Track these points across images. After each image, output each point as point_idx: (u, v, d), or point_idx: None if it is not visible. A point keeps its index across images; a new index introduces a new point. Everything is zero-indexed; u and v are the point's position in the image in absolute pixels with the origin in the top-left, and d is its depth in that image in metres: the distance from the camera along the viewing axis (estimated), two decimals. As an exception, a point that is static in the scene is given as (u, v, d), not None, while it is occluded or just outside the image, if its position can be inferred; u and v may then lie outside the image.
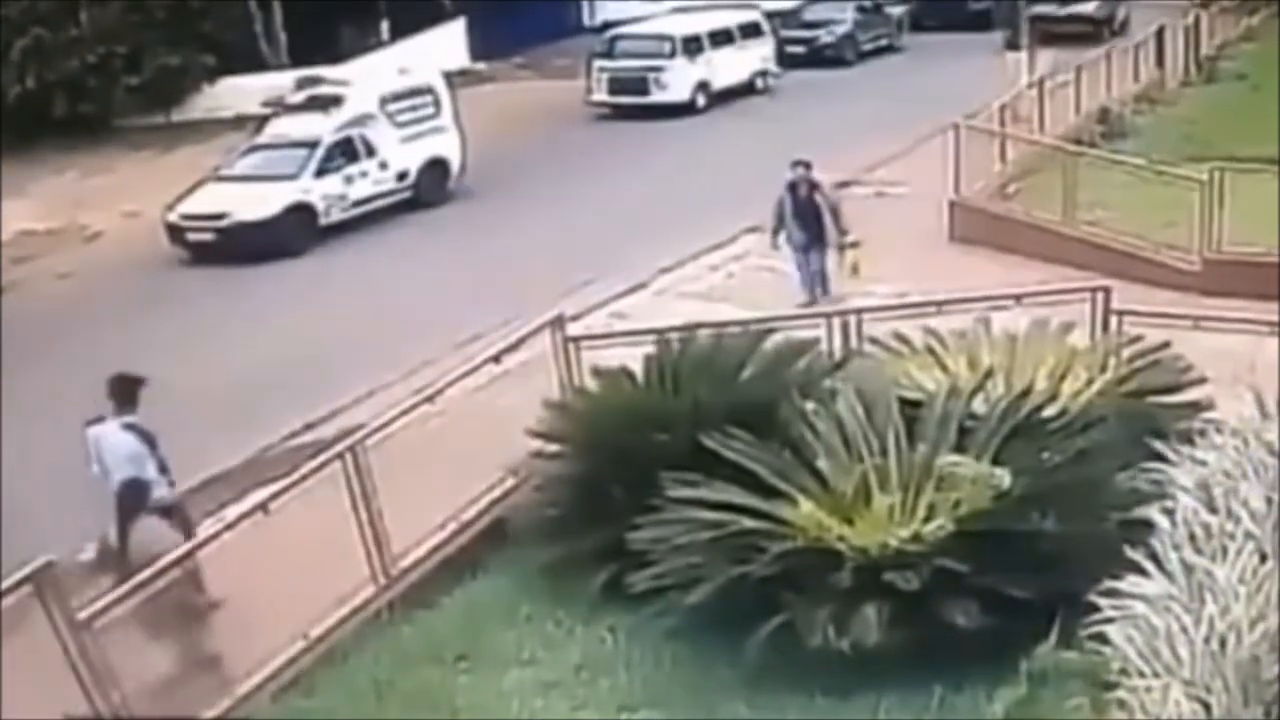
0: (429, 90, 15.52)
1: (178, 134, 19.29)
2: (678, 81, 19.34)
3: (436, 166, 15.21)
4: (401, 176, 14.87)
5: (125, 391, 6.45)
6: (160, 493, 6.42)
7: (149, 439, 6.46)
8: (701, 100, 19.42)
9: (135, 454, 6.41)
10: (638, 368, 6.69)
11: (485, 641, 5.85)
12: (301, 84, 15.87)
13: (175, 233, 14.00)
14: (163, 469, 6.49)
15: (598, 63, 19.73)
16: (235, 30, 20.99)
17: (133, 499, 6.28)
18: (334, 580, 6.01)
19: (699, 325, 7.63)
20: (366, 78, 16.35)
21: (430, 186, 15.08)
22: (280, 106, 15.24)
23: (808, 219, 10.50)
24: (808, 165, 10.59)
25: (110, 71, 19.75)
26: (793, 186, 10.53)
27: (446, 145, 15.37)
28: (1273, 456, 4.77)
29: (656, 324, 7.87)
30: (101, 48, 19.62)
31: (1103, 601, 4.44)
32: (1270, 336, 6.55)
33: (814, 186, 10.57)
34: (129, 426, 6.43)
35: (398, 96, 15.19)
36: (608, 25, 22.13)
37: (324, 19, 21.08)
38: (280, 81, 17.25)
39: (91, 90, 19.65)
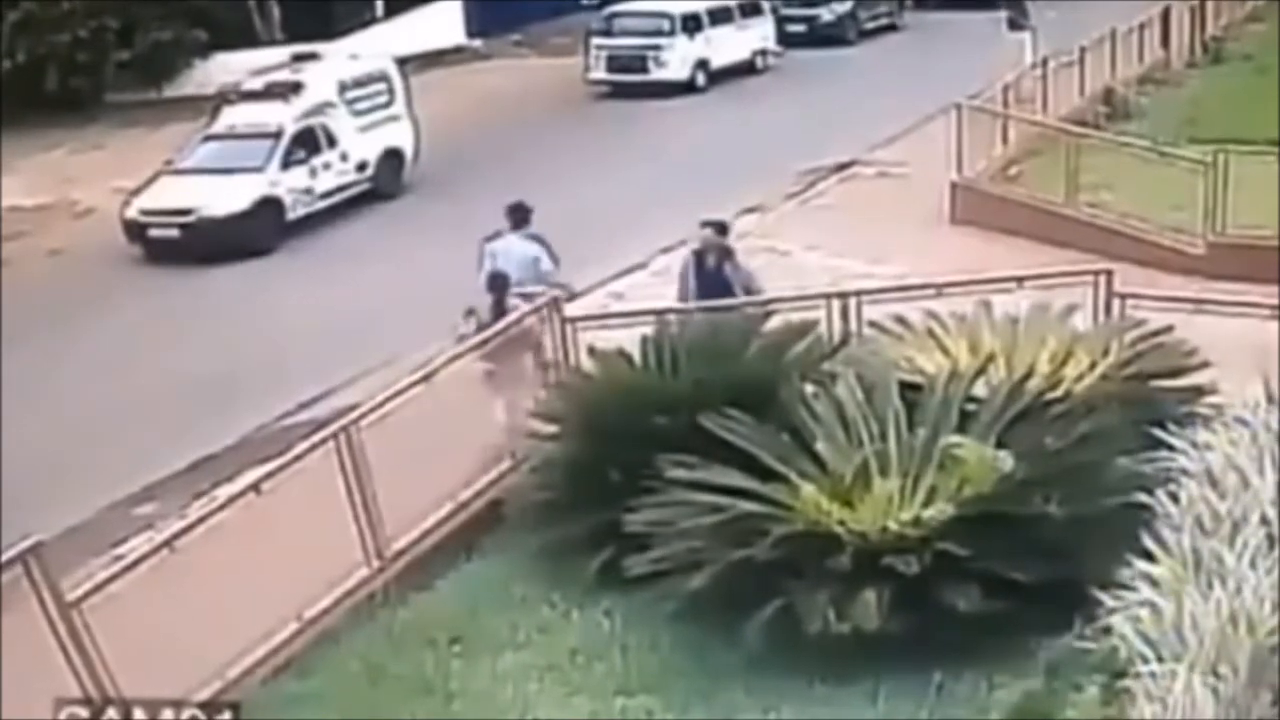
0: (384, 77, 15.00)
1: (170, 110, 19.04)
2: (677, 60, 19.13)
3: (393, 157, 14.69)
4: (361, 167, 14.32)
5: (520, 215, 8.26)
6: (533, 290, 7.65)
7: (543, 243, 8.16)
8: (701, 79, 19.22)
9: (523, 254, 8.03)
10: (635, 348, 6.60)
11: (480, 624, 5.80)
12: (296, 60, 15.60)
13: (133, 229, 13.19)
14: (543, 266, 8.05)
15: (596, 40, 19.50)
16: (228, 5, 20.74)
17: (493, 285, 7.70)
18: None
19: (698, 306, 7.55)
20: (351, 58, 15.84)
21: (387, 178, 14.56)
22: (236, 94, 14.62)
23: (715, 296, 7.64)
24: (721, 227, 8.04)
25: (101, 46, 19.48)
26: (699, 255, 7.96)
27: (402, 134, 14.87)
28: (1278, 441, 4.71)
29: (656, 304, 7.77)
30: (93, 22, 19.34)
31: (1108, 586, 4.38)
32: (1275, 320, 6.47)
33: (726, 254, 7.94)
34: (527, 236, 8.20)
35: (356, 83, 14.64)
36: (606, 2, 21.92)
37: (318, -6, 20.85)
38: (274, 57, 17.03)
39: (82, 65, 19.37)
